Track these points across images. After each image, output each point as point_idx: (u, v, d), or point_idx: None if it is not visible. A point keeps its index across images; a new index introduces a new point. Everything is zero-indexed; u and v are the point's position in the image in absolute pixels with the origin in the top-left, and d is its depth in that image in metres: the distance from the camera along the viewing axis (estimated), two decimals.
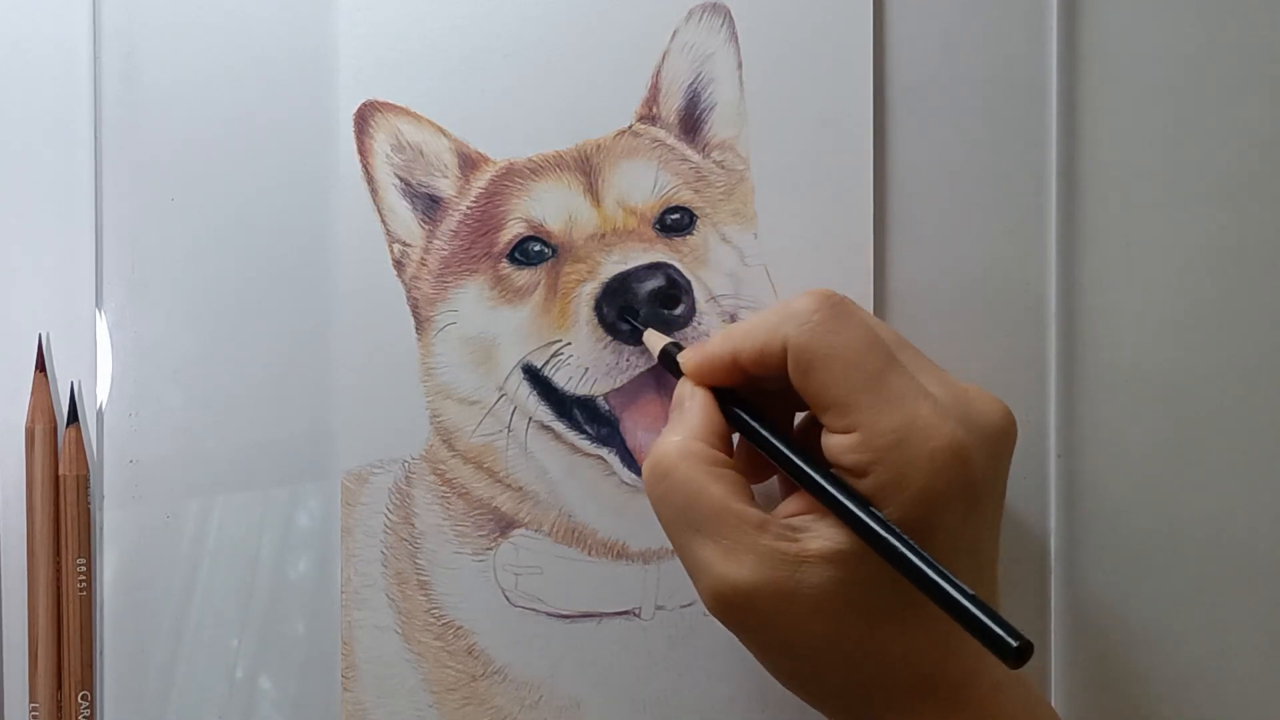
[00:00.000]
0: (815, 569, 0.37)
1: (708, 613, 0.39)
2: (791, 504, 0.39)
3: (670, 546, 0.46)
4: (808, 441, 0.41)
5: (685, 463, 0.39)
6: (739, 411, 0.41)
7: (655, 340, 0.44)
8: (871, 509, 0.37)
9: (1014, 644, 0.33)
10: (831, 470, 0.38)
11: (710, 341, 0.42)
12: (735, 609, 0.38)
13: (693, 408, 0.41)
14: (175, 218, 0.48)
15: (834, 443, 0.38)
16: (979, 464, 0.37)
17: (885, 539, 0.36)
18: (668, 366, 0.43)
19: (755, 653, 0.40)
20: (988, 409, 0.39)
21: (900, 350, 0.40)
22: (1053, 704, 0.45)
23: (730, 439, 0.41)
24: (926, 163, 0.46)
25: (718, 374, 0.41)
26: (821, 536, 0.37)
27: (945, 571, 0.35)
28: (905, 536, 0.36)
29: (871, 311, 0.46)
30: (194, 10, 0.48)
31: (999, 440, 0.39)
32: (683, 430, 0.40)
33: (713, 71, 0.46)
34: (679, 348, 0.43)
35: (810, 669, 0.39)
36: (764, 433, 0.40)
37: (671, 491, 0.39)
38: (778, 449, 0.39)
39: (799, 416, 0.43)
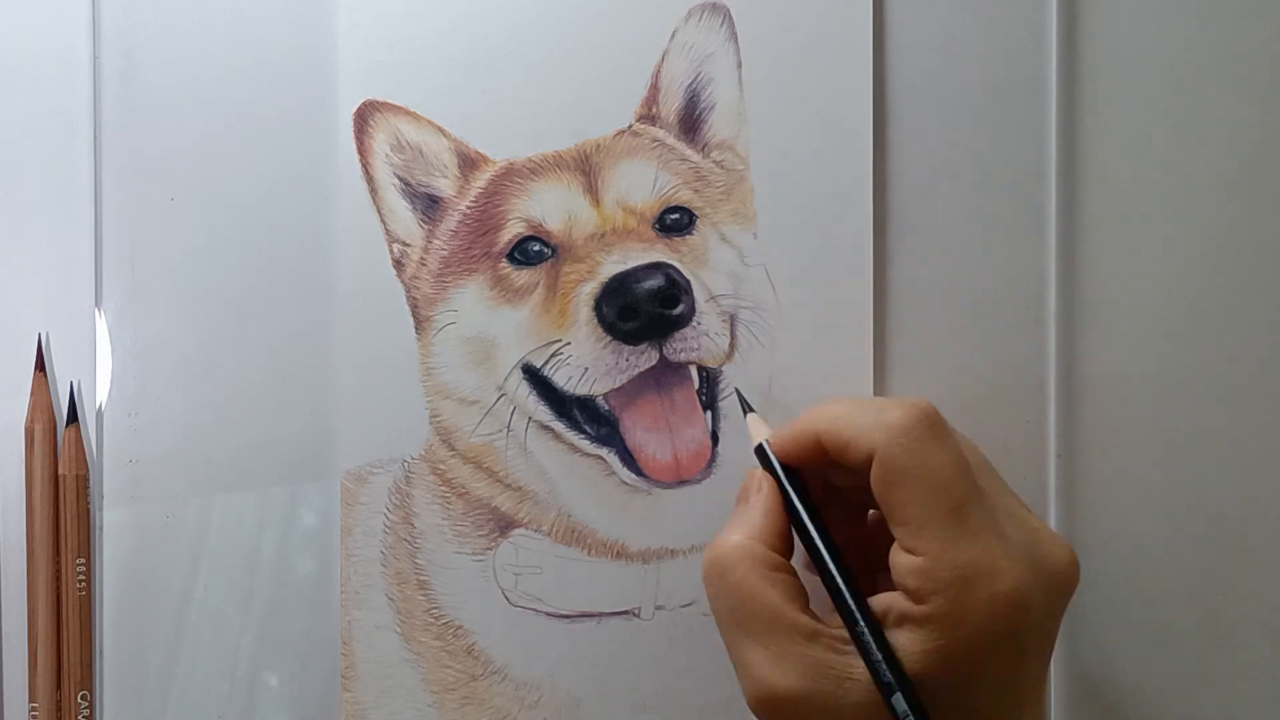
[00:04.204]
0: (859, 688, 0.37)
1: (747, 706, 0.39)
2: None
3: (670, 546, 0.46)
4: (874, 540, 0.41)
5: (743, 564, 0.39)
6: (794, 501, 0.41)
7: (757, 429, 0.44)
8: (890, 652, 0.37)
9: None
10: (885, 594, 0.38)
11: (801, 418, 0.41)
12: (776, 714, 0.38)
13: (757, 503, 0.41)
14: (175, 217, 0.48)
15: (901, 561, 0.38)
16: (1037, 610, 0.37)
17: (890, 684, 0.37)
18: (761, 460, 0.43)
19: None
20: (1056, 554, 0.39)
21: (981, 475, 0.39)
22: (1053, 706, 0.46)
23: (792, 539, 0.41)
24: (926, 163, 0.46)
25: (800, 451, 0.41)
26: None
27: None
28: (913, 690, 0.36)
29: (871, 311, 0.46)
30: (194, 10, 0.48)
31: (1062, 587, 0.39)
32: (744, 529, 0.40)
33: (712, 71, 0.46)
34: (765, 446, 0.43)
35: None
36: (811, 530, 0.40)
37: (727, 592, 0.39)
38: (829, 572, 0.39)
39: (872, 512, 0.43)
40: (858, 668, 0.37)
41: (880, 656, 0.37)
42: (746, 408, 0.45)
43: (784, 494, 0.41)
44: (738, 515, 0.41)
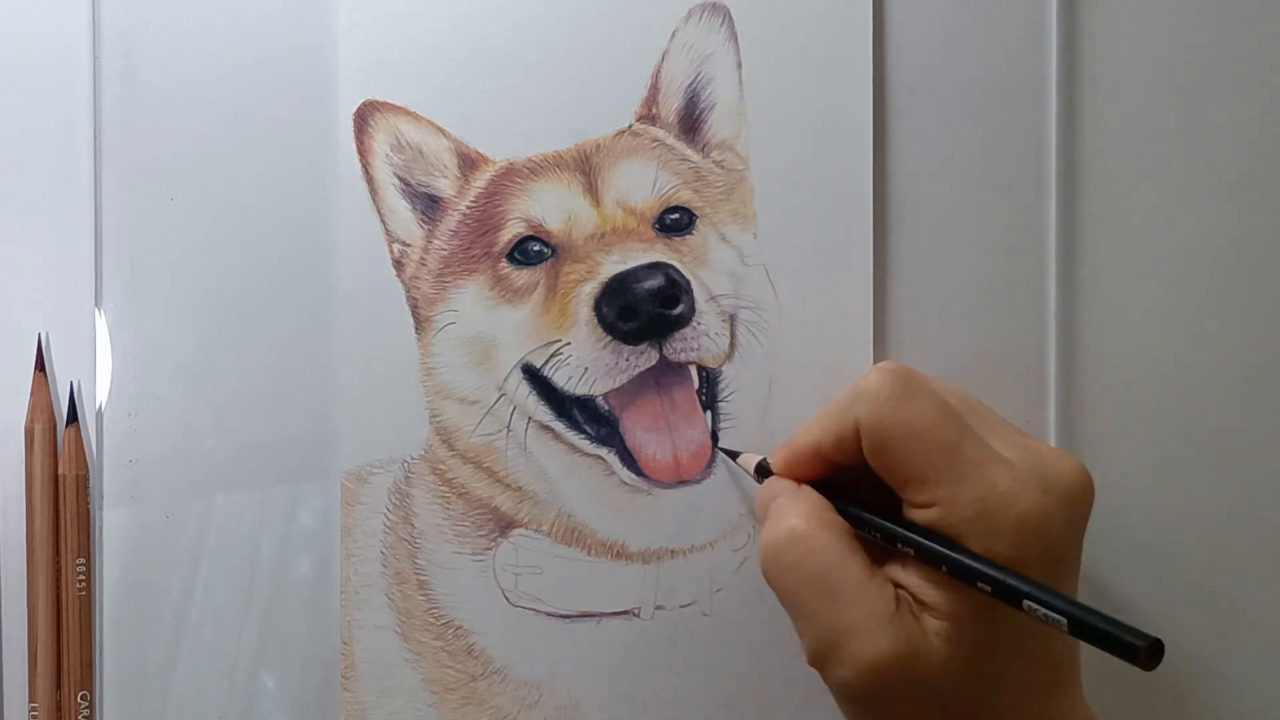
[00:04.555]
0: (945, 628, 0.37)
1: (818, 671, 0.39)
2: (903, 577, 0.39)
3: (670, 546, 0.46)
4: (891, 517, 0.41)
5: (825, 531, 0.39)
6: (843, 504, 0.41)
7: (750, 460, 0.44)
8: (980, 558, 0.37)
9: (1141, 645, 0.33)
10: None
11: (792, 438, 0.42)
12: (883, 675, 0.37)
13: (797, 494, 0.41)
14: (175, 218, 0.48)
15: (916, 517, 0.38)
16: (1060, 527, 0.38)
17: (1012, 584, 0.36)
18: (762, 477, 0.43)
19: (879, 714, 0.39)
20: (1066, 469, 0.39)
21: (971, 414, 0.40)
22: None
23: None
24: (926, 163, 0.46)
25: (802, 467, 0.41)
26: (946, 601, 0.37)
27: (1063, 595, 0.35)
28: (1033, 580, 0.36)
29: (871, 311, 0.46)
30: (194, 10, 0.48)
31: (1079, 501, 0.39)
32: (802, 508, 0.40)
33: (712, 71, 0.46)
34: (766, 463, 0.43)
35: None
36: (868, 516, 0.40)
37: (811, 557, 0.39)
38: (879, 524, 0.39)
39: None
40: (942, 614, 0.37)
41: (991, 571, 0.36)
42: (734, 454, 0.46)
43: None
44: (775, 513, 0.41)
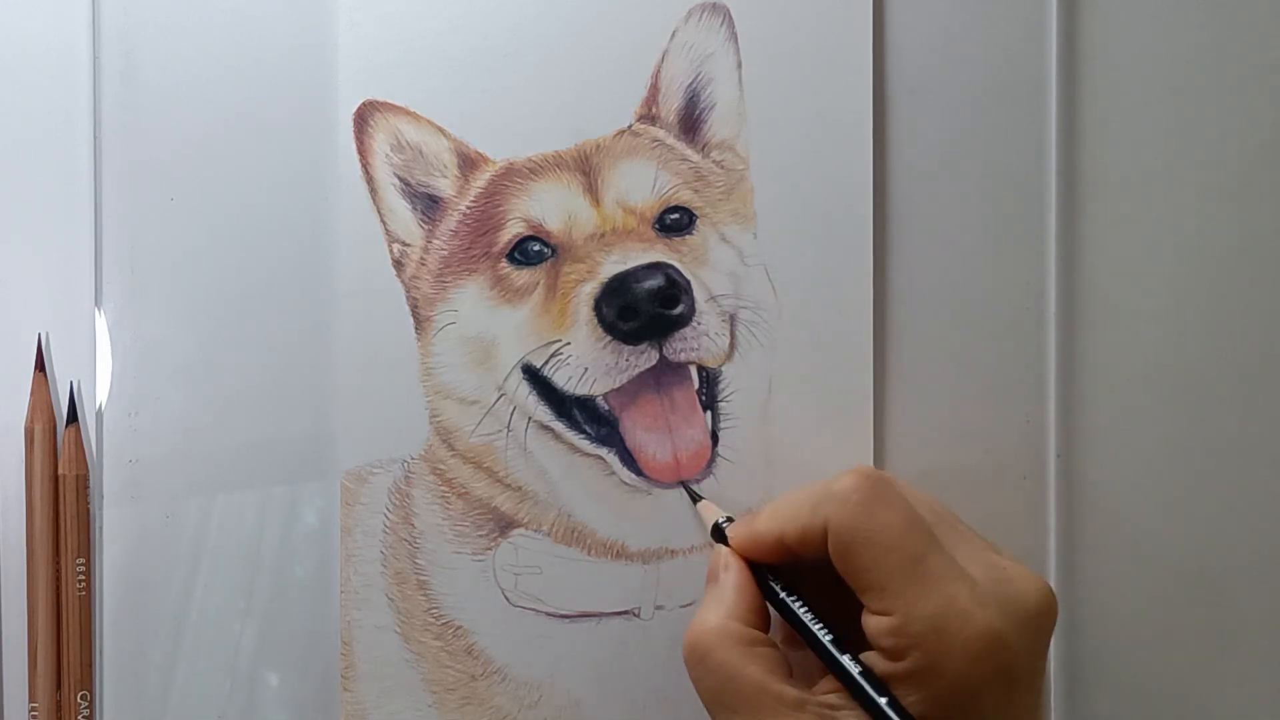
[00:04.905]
0: None
1: None
2: (832, 680, 0.39)
3: (670, 546, 0.46)
4: (849, 614, 0.41)
5: (723, 645, 0.40)
6: (775, 587, 0.41)
7: (709, 514, 0.45)
8: (894, 698, 0.37)
9: None
10: (865, 654, 0.38)
11: (758, 517, 0.42)
12: None
13: (728, 581, 0.42)
14: (175, 218, 0.48)
15: (872, 624, 0.38)
16: (1016, 649, 0.38)
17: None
18: (718, 539, 0.44)
19: None
20: (1027, 589, 0.39)
21: (941, 525, 0.40)
22: (1052, 706, 0.46)
23: (767, 611, 0.42)
24: (926, 163, 0.46)
25: (764, 551, 0.42)
26: (857, 718, 0.38)
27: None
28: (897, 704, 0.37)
29: (871, 311, 0.46)
30: (194, 10, 0.48)
31: (1038, 622, 0.39)
32: (719, 609, 0.41)
33: (712, 71, 0.46)
34: (730, 522, 0.44)
35: None
36: (796, 612, 0.41)
37: (709, 674, 0.40)
38: (809, 630, 0.40)
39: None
40: None
41: (890, 709, 0.37)
42: (695, 497, 0.46)
43: (755, 572, 0.42)
44: (710, 594, 0.42)
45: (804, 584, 0.42)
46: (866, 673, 0.38)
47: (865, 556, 0.38)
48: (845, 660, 0.38)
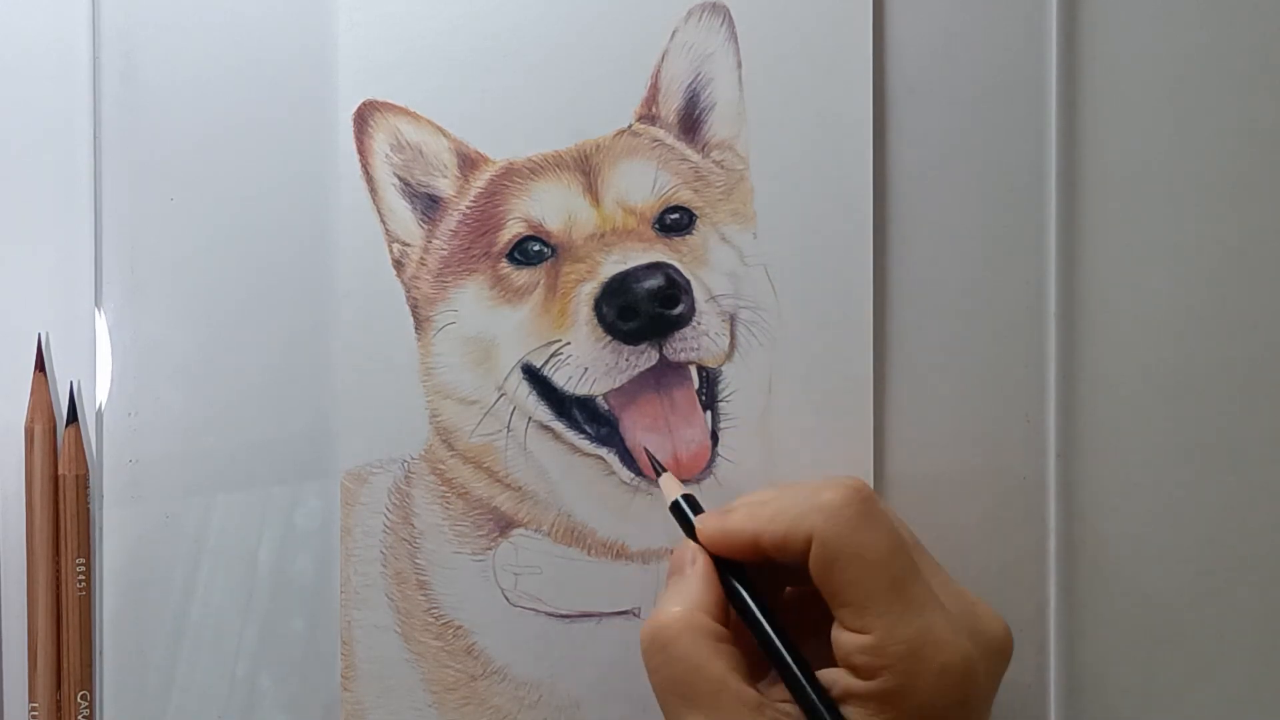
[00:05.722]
0: None
1: None
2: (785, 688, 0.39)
3: (671, 546, 0.46)
4: (801, 614, 0.41)
5: (687, 635, 0.39)
6: (738, 587, 0.41)
7: (671, 488, 0.44)
8: (838, 712, 0.37)
9: None
10: (829, 670, 0.39)
11: (733, 515, 0.41)
12: None
13: (695, 575, 0.41)
14: (175, 218, 0.48)
15: (846, 639, 0.38)
16: (981, 680, 0.38)
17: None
18: (679, 520, 0.43)
19: None
20: (993, 626, 0.40)
21: (916, 551, 0.40)
22: (1052, 707, 0.46)
23: (729, 610, 0.41)
24: (926, 163, 0.46)
25: (734, 549, 0.41)
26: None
27: None
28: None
29: (871, 311, 0.46)
30: (193, 10, 0.48)
31: (1000, 656, 0.40)
32: (684, 600, 0.40)
33: (712, 71, 0.46)
34: (693, 501, 0.43)
35: None
36: (759, 617, 0.40)
37: (670, 663, 0.39)
38: (770, 640, 0.40)
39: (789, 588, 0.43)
40: None
41: (829, 698, 0.37)
42: (659, 469, 0.45)
43: (719, 570, 0.41)
44: (674, 586, 0.41)
45: (764, 585, 0.41)
46: (815, 682, 0.38)
47: (849, 573, 0.38)
48: (806, 685, 0.38)
